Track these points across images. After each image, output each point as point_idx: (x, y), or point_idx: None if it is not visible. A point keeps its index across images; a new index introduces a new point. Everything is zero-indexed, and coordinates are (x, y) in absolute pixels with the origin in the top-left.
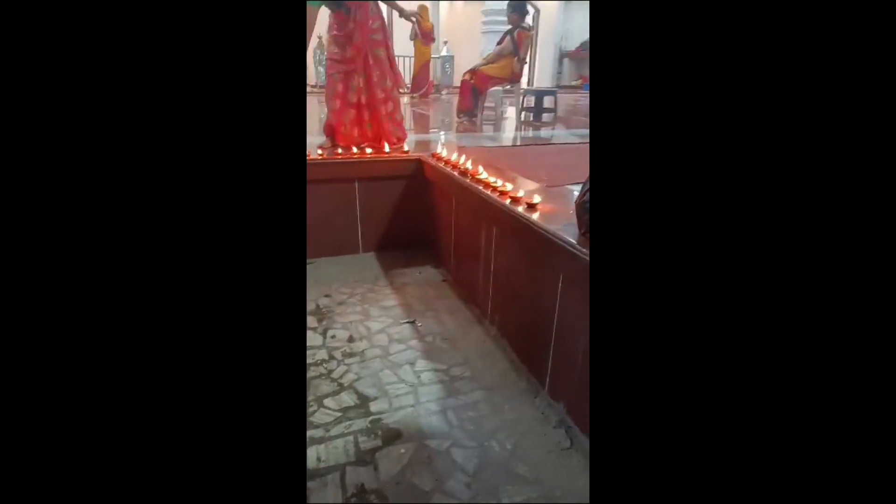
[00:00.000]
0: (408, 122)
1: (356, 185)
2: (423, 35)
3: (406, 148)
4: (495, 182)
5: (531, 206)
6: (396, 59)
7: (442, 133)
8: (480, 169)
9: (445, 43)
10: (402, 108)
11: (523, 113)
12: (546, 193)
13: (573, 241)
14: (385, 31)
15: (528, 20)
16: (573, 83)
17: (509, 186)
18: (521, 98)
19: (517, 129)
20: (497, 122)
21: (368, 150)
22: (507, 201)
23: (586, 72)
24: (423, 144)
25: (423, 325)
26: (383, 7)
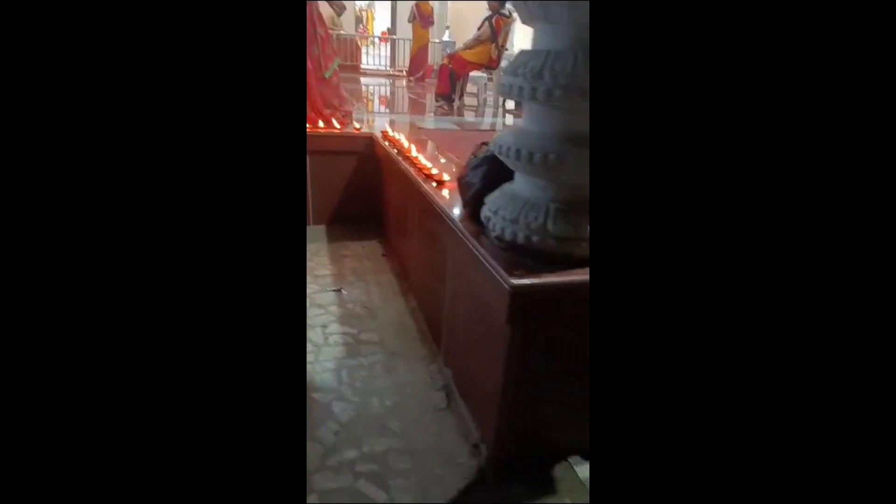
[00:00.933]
0: (403, 105)
1: (307, 158)
2: (422, 18)
3: (357, 125)
4: (418, 159)
5: (440, 183)
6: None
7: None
8: (413, 148)
9: (447, 28)
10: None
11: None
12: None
13: (453, 216)
14: (312, 14)
15: (509, 7)
16: None
17: (429, 164)
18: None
19: (494, 115)
20: (479, 108)
21: (321, 124)
22: (423, 178)
23: None
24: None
25: (347, 294)
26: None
